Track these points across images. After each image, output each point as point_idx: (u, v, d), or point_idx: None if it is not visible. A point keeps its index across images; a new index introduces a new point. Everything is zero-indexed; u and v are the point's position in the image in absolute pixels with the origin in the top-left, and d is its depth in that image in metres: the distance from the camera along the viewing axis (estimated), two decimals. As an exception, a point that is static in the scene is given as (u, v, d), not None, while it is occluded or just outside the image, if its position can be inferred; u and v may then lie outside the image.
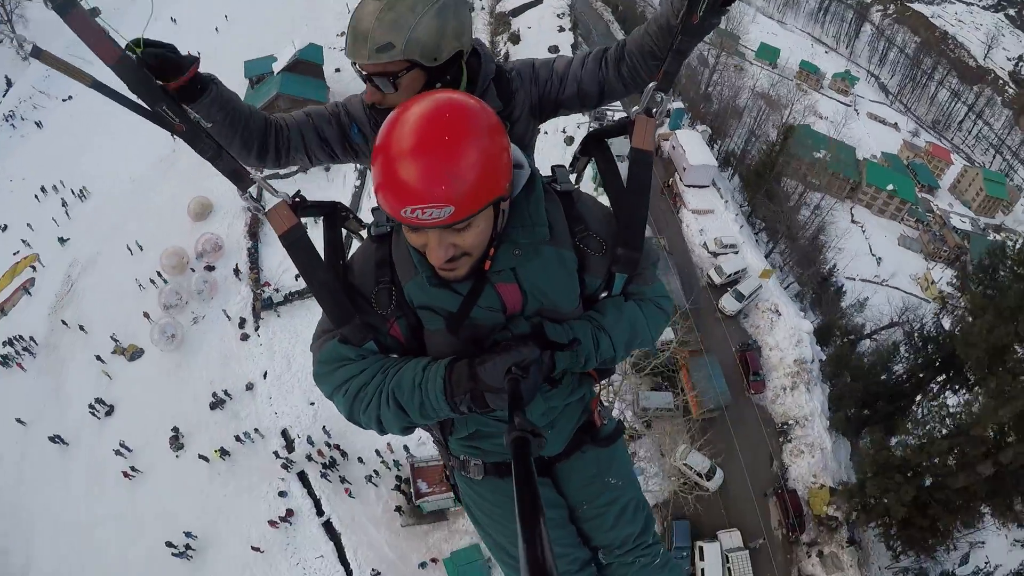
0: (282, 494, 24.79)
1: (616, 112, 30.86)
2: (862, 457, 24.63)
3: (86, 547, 24.57)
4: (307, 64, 41.30)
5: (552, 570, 0.76)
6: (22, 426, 28.24)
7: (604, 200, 1.86)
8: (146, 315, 30.22)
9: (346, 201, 34.67)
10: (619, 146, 1.86)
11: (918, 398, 26.29)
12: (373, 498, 24.64)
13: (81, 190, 39.65)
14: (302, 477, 25.24)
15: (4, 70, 54.13)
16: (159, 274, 31.90)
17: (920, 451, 20.29)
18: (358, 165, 2.42)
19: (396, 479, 24.87)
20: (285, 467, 25.28)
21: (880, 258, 55.21)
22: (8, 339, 31.15)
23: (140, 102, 1.58)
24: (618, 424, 2.17)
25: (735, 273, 31.13)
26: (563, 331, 1.64)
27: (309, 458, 25.38)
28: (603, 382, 2.13)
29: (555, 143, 36.07)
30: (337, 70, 42.05)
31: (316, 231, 1.69)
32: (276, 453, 25.63)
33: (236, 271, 31.88)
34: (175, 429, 26.79)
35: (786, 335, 28.63)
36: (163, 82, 1.62)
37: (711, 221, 34.31)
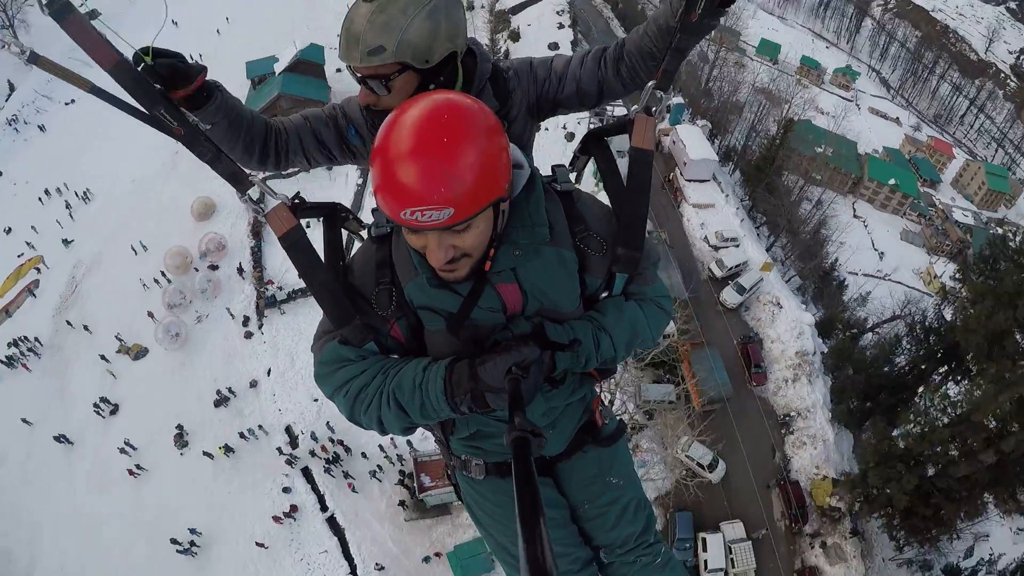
0: (286, 490, 24.91)
1: (617, 108, 30.91)
2: (864, 448, 24.65)
3: (91, 546, 24.67)
4: (308, 64, 41.44)
5: (552, 570, 0.77)
6: (27, 426, 28.35)
7: (603, 198, 1.87)
8: (150, 314, 30.39)
9: (348, 200, 34.81)
10: (619, 142, 1.88)
11: (920, 390, 26.28)
12: (377, 493, 24.76)
13: (85, 192, 39.79)
14: (306, 473, 25.37)
15: (7, 75, 54.35)
16: (163, 274, 32.03)
17: (922, 440, 20.32)
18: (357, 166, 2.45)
19: (400, 474, 24.99)
20: (289, 463, 25.42)
21: (882, 253, 55.07)
22: (13, 340, 31.26)
23: (138, 106, 1.59)
24: (619, 424, 2.17)
25: (736, 266, 31.19)
26: (564, 331, 1.64)
27: (313, 454, 25.53)
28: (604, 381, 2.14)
29: (556, 139, 36.17)
30: (338, 70, 41.93)
31: (318, 232, 1.74)
32: (279, 449, 25.76)
33: (239, 270, 32.04)
34: (179, 427, 26.92)
35: (787, 327, 28.67)
36: (172, 90, 1.64)
37: (712, 215, 34.35)
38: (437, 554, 23.16)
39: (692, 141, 36.64)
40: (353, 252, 1.81)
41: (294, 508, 24.46)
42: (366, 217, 1.82)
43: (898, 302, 36.42)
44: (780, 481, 24.91)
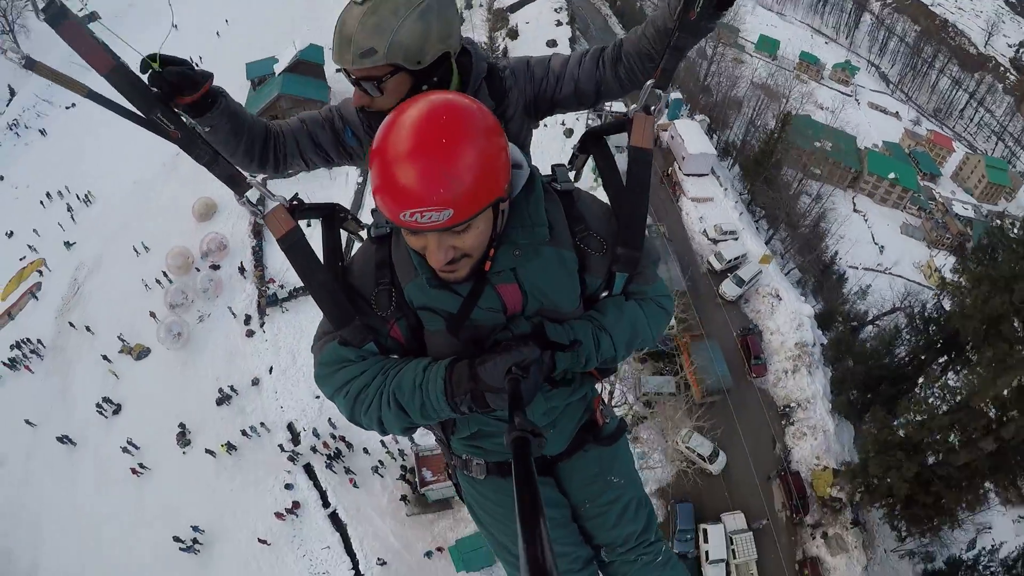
0: (288, 487, 25.01)
1: (615, 104, 30.94)
2: (865, 438, 24.68)
3: (94, 545, 24.79)
4: (308, 64, 41.46)
5: (552, 570, 0.77)
6: (30, 428, 28.50)
7: (602, 194, 1.86)
8: (152, 315, 30.51)
9: (348, 200, 34.94)
10: (617, 138, 1.90)
11: (920, 380, 26.30)
12: (378, 488, 24.84)
13: (86, 195, 39.94)
14: (308, 469, 25.48)
15: (8, 80, 54.57)
16: (165, 274, 32.17)
17: (921, 428, 20.33)
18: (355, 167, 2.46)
19: (401, 468, 25.08)
20: (291, 460, 25.52)
21: (883, 246, 55.02)
22: (16, 342, 31.41)
23: (135, 110, 1.60)
24: (620, 422, 2.17)
25: (735, 259, 31.24)
26: (564, 331, 1.64)
27: (314, 450, 25.62)
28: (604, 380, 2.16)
29: (554, 136, 36.19)
30: (338, 70, 42.06)
31: (318, 232, 1.79)
32: (281, 447, 25.86)
33: (241, 269, 32.18)
34: (182, 425, 27.02)
35: (787, 319, 28.72)
36: (178, 97, 1.66)
37: (711, 209, 34.39)
38: (439, 548, 23.19)
39: (690, 136, 36.67)
40: (353, 252, 1.82)
41: (296, 504, 24.55)
42: (367, 217, 1.81)
43: (898, 294, 36.42)
44: (781, 472, 24.95)
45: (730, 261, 31.06)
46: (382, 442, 25.09)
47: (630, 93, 2.17)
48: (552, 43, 46.40)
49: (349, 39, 1.72)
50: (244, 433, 26.33)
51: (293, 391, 27.51)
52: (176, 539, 23.75)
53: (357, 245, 1.89)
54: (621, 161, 1.76)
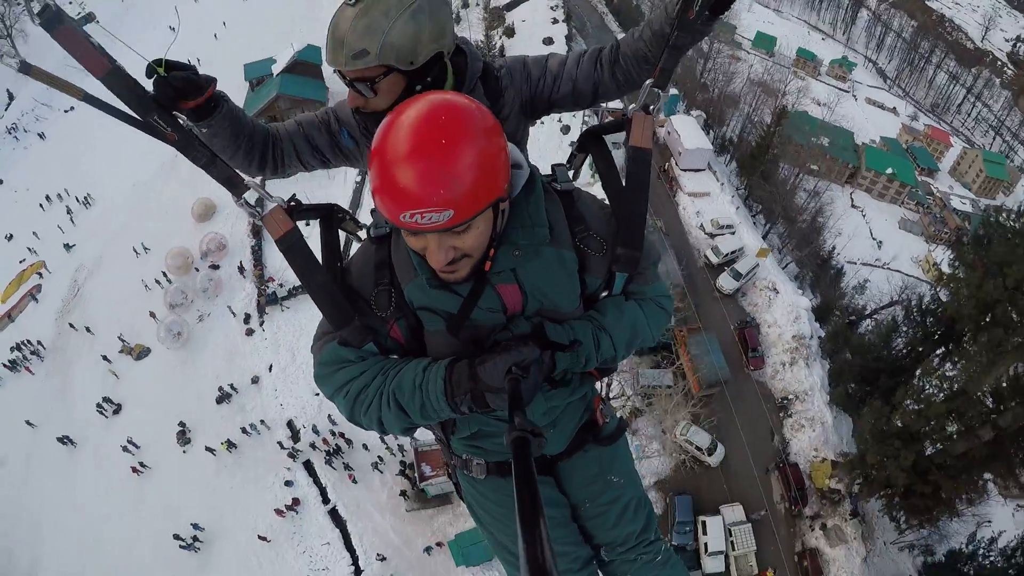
0: (288, 483, 25.07)
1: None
2: (862, 430, 24.70)
3: (94, 545, 24.89)
4: (306, 65, 41.61)
5: (552, 570, 0.77)
6: (31, 428, 28.65)
7: (599, 191, 1.87)
8: (152, 315, 30.64)
9: (346, 199, 35.05)
10: (615, 135, 1.89)
11: (918, 372, 26.32)
12: (378, 484, 24.90)
13: (86, 197, 40.10)
14: (308, 466, 25.54)
15: (6, 84, 54.72)
16: (164, 274, 32.34)
17: (918, 416, 20.35)
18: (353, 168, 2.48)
19: (400, 464, 25.12)
20: (291, 457, 25.59)
21: (881, 241, 55.01)
22: (16, 344, 31.57)
23: (132, 113, 1.59)
24: (620, 422, 2.18)
25: (732, 252, 31.25)
26: (564, 331, 1.64)
27: (313, 446, 25.68)
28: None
29: (551, 132, 36.30)
30: (334, 71, 42.15)
31: (317, 231, 1.80)
32: (281, 444, 25.94)
33: (240, 269, 32.30)
34: (182, 424, 27.12)
35: (784, 312, 28.75)
36: (182, 101, 1.67)
37: (707, 203, 34.42)
38: (439, 544, 23.25)
39: (687, 131, 36.75)
40: (352, 253, 1.81)
41: (296, 501, 24.61)
42: (365, 217, 1.81)
43: (896, 289, 36.43)
44: (779, 464, 24.98)
45: (727, 255, 31.09)
46: (381, 438, 25.14)
47: (626, 94, 2.19)
48: (548, 41, 46.61)
49: (342, 41, 1.73)
50: (244, 431, 26.42)
51: (293, 389, 27.59)
52: (176, 537, 23.81)
53: (355, 245, 1.88)
54: (617, 157, 1.79)
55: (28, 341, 31.76)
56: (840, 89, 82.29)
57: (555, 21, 49.70)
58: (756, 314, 29.44)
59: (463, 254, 1.42)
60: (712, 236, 32.50)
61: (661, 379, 25.72)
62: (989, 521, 25.63)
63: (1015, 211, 22.39)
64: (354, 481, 24.82)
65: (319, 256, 1.70)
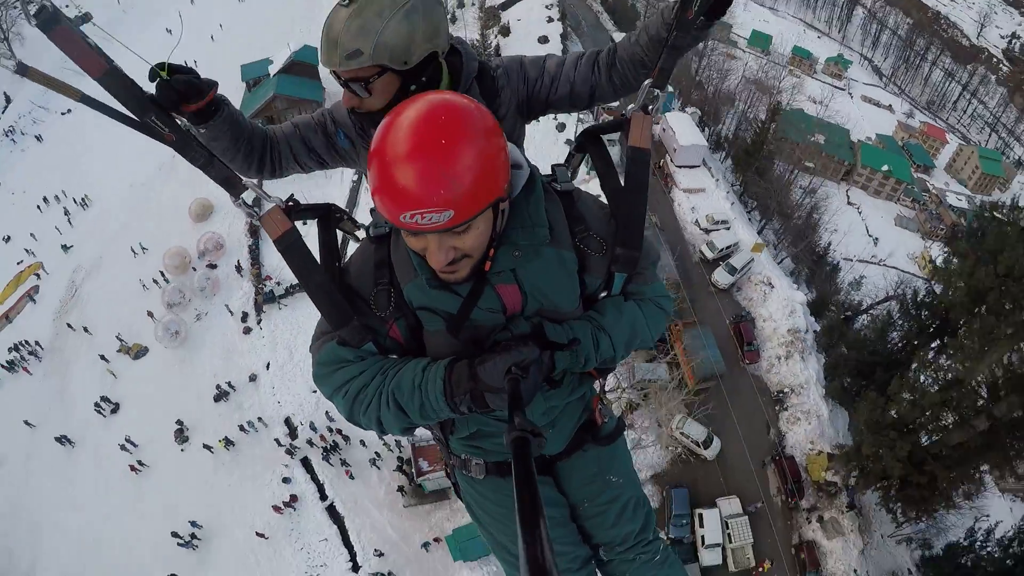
0: (286, 480, 25.10)
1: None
2: (858, 422, 24.78)
3: (94, 543, 24.88)
4: (303, 65, 41.67)
5: (552, 570, 0.76)
6: (29, 428, 28.64)
7: (596, 188, 1.85)
8: (150, 314, 30.68)
9: (344, 198, 35.14)
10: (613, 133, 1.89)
11: (913, 365, 26.41)
12: (375, 480, 24.94)
13: (83, 198, 40.11)
14: (305, 463, 25.56)
15: (3, 87, 54.72)
16: (162, 274, 32.38)
17: (913, 406, 20.45)
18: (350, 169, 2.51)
19: (398, 460, 25.16)
20: (289, 454, 25.62)
21: (877, 238, 55.24)
22: (14, 345, 31.58)
23: (129, 114, 1.59)
24: (619, 422, 2.19)
25: (727, 248, 31.32)
26: (563, 331, 1.63)
27: (310, 443, 25.74)
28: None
29: (547, 130, 36.41)
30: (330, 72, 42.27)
31: (315, 232, 1.80)
32: (278, 441, 25.99)
33: (238, 268, 32.36)
34: (180, 422, 27.14)
35: (779, 306, 28.84)
36: (184, 104, 1.68)
37: (702, 199, 34.48)
38: (436, 539, 23.27)
39: (682, 128, 36.81)
40: (350, 252, 1.81)
41: (294, 498, 24.64)
42: (362, 216, 1.82)
43: (892, 284, 36.54)
44: (775, 456, 25.06)
45: (722, 250, 31.16)
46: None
47: (623, 97, 2.20)
48: (544, 39, 46.68)
49: (335, 41, 1.73)
50: (242, 428, 26.46)
51: (290, 386, 27.65)
52: (175, 535, 23.83)
53: (353, 245, 1.87)
54: (612, 154, 1.81)
55: (26, 342, 31.77)
56: (836, 87, 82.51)
57: (550, 20, 49.74)
58: (751, 308, 29.53)
59: (463, 254, 1.42)
60: (707, 232, 32.59)
61: (656, 372, 25.78)
62: (987, 515, 25.72)
63: (1009, 206, 22.55)
64: (351, 477, 24.87)
65: (317, 256, 1.71)
